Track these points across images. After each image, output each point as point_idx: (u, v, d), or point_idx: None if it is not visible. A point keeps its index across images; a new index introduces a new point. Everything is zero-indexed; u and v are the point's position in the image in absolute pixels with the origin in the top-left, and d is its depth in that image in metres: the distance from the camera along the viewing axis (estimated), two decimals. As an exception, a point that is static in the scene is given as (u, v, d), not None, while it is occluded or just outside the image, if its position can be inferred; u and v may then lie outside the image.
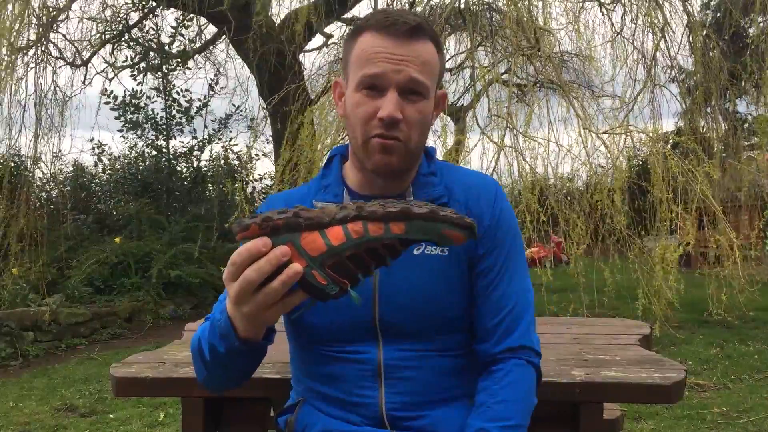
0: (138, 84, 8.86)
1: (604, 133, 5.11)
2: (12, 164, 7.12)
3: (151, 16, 8.64)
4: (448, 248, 1.10)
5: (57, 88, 6.90)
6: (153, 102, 9.01)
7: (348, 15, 7.73)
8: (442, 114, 6.42)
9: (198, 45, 8.98)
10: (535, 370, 1.12)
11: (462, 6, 6.05)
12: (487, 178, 1.23)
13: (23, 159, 7.12)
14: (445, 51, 1.14)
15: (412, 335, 1.09)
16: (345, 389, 1.10)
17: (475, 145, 5.25)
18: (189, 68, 9.10)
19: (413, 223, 0.81)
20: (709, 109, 6.40)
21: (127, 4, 8.16)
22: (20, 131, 6.24)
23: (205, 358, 1.03)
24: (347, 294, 0.85)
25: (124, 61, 8.78)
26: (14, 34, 5.96)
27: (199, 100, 9.22)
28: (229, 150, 9.53)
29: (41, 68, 6.53)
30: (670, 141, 6.56)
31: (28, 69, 6.37)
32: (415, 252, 1.10)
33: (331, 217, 0.82)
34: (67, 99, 7.11)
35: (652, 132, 5.42)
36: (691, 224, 4.75)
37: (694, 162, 4.93)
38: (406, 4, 6.65)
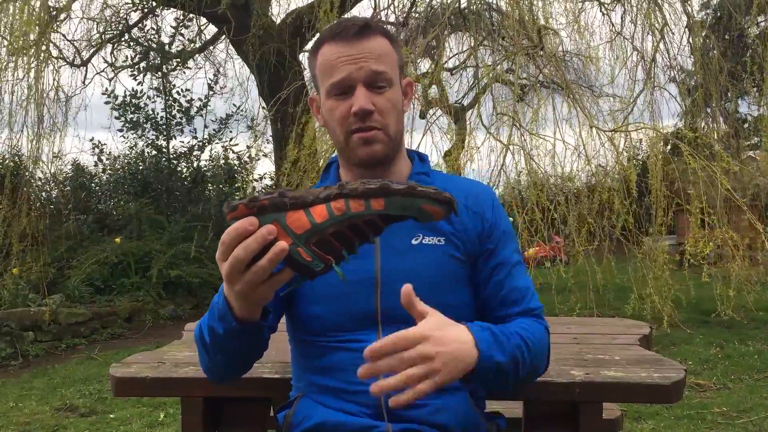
0: (138, 84, 8.86)
1: (613, 131, 5.10)
2: (11, 164, 7.12)
3: (151, 16, 8.64)
4: (444, 238, 1.15)
5: (59, 88, 6.91)
6: (153, 102, 9.01)
7: (348, 15, 7.74)
8: (445, 114, 6.44)
9: (198, 45, 8.98)
10: (548, 333, 1.17)
11: (463, 6, 6.05)
12: (482, 184, 1.30)
13: (22, 159, 7.12)
14: (400, 42, 1.23)
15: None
16: (344, 378, 1.12)
17: (482, 144, 5.26)
18: (189, 68, 9.10)
19: (392, 199, 0.84)
20: (709, 110, 6.40)
21: (127, 4, 8.17)
22: (21, 131, 6.26)
23: (206, 343, 1.07)
24: (332, 270, 0.88)
25: (124, 61, 8.79)
26: (15, 34, 5.96)
27: (200, 99, 9.22)
28: (229, 150, 9.53)
29: (42, 68, 6.53)
30: (670, 142, 6.55)
31: (30, 68, 6.38)
32: (413, 242, 1.15)
33: (314, 196, 0.86)
34: (68, 98, 7.13)
35: (661, 128, 5.43)
36: (700, 222, 4.75)
37: (707, 156, 4.93)
38: (407, 4, 6.65)
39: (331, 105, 1.14)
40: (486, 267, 1.17)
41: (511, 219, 4.55)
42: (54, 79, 6.74)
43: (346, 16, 7.49)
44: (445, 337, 0.94)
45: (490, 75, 5.64)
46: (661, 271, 4.94)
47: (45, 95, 6.39)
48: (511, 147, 4.97)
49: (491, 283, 1.17)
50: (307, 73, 7.58)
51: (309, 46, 7.85)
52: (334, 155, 1.30)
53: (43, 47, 6.34)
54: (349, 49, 1.11)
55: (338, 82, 1.11)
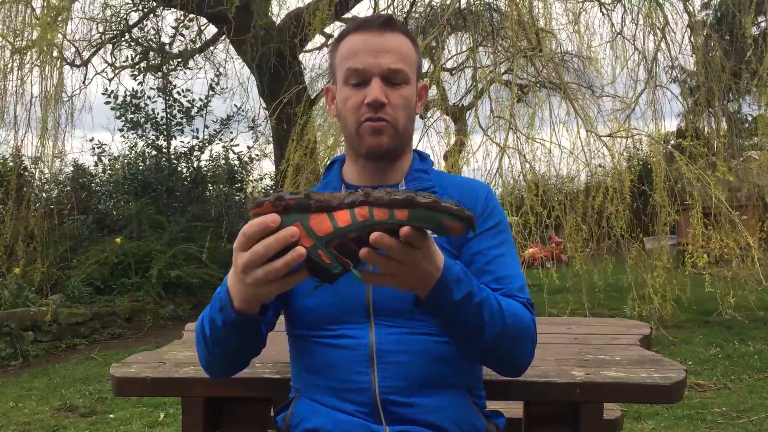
0: (138, 84, 8.85)
1: (608, 136, 5.10)
2: (16, 165, 7.11)
3: (151, 16, 8.64)
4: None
5: (62, 89, 6.91)
6: (153, 102, 9.01)
7: (348, 15, 7.74)
8: (445, 116, 6.47)
9: (198, 45, 8.98)
10: (533, 321, 1.13)
11: (462, 6, 6.05)
12: (480, 182, 1.33)
13: (22, 160, 7.12)
14: (419, 47, 1.24)
15: (403, 314, 1.12)
16: (339, 376, 1.13)
17: (479, 147, 5.29)
18: (189, 68, 9.10)
19: (416, 211, 0.85)
20: (711, 110, 6.39)
21: (127, 4, 8.17)
22: (25, 132, 6.28)
23: (206, 335, 1.09)
24: (349, 273, 0.90)
25: (124, 61, 8.78)
26: (16, 34, 5.96)
27: (200, 99, 9.21)
28: (229, 150, 9.53)
29: (43, 69, 6.53)
30: (672, 142, 6.55)
31: (32, 68, 6.39)
32: None
33: (339, 201, 0.87)
34: (67, 99, 7.13)
35: (654, 134, 5.43)
36: (695, 225, 4.74)
37: (703, 166, 4.93)
38: (407, 4, 6.65)
39: (346, 94, 1.16)
40: (465, 255, 1.17)
41: (511, 219, 4.56)
42: (57, 80, 6.74)
43: (346, 16, 7.50)
44: (436, 256, 0.95)
45: (487, 78, 5.64)
46: (658, 273, 4.94)
47: (49, 96, 6.40)
48: (507, 150, 4.96)
49: (470, 270, 1.15)
50: (307, 74, 7.60)
51: (309, 46, 7.87)
52: (335, 156, 1.32)
53: (45, 47, 6.35)
54: (373, 39, 1.15)
55: (356, 71, 1.14)
